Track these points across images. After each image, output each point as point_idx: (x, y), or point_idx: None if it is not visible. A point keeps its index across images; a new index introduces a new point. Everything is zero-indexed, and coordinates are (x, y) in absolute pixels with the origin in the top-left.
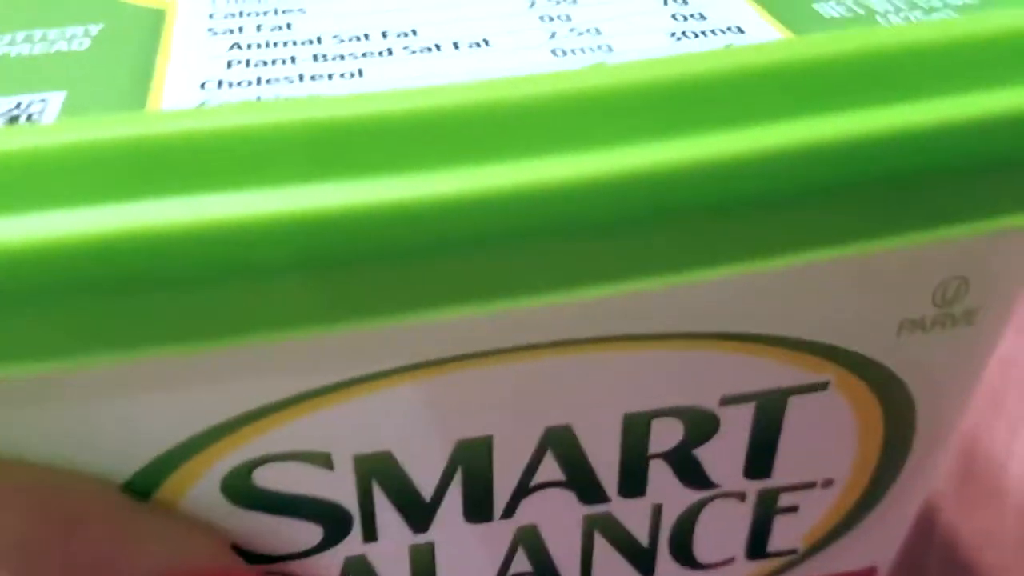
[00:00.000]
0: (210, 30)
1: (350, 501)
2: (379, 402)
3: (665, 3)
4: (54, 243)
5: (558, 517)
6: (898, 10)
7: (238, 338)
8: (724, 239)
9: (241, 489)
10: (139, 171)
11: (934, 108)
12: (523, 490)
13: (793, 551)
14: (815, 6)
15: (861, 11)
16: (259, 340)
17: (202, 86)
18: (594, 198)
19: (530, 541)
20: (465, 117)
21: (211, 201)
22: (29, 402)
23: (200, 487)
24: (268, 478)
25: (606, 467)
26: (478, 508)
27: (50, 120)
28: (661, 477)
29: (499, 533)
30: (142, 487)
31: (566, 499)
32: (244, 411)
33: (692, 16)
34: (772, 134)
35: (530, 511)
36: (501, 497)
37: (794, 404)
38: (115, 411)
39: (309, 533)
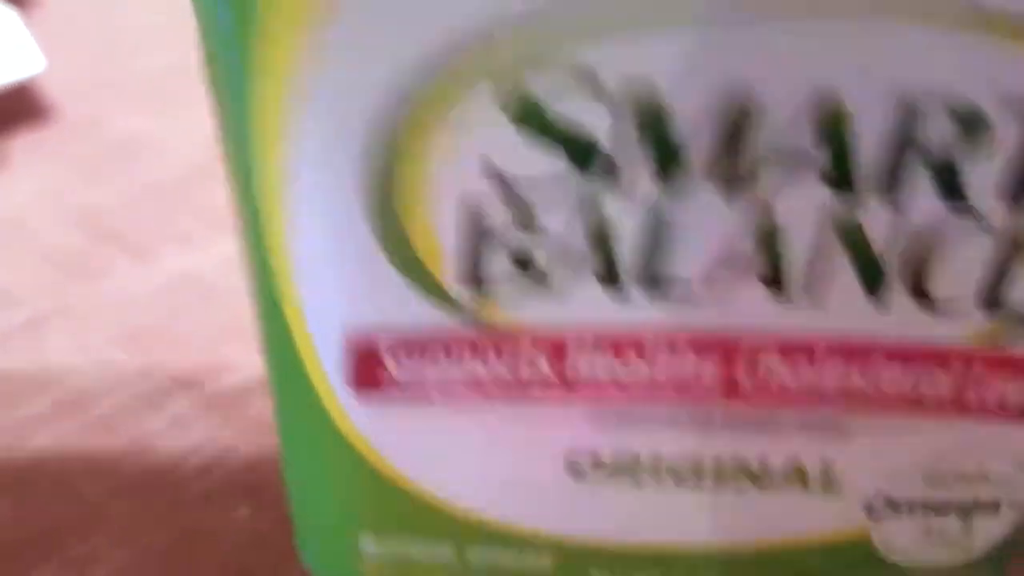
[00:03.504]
0: None
1: (602, 127)
2: None
3: None
4: None
5: (800, 200)
6: None
7: None
8: None
9: (515, 99)
10: None
11: None
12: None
13: None
14: None
15: None
16: None
17: None
18: None
19: (763, 221)
20: None
21: None
22: None
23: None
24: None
25: (864, 152)
26: (723, 166)
27: None
28: (915, 180)
29: (738, 202)
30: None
31: (811, 180)
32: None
33: None
34: None
35: (771, 182)
36: (747, 158)
37: None
38: None
39: (552, 158)
